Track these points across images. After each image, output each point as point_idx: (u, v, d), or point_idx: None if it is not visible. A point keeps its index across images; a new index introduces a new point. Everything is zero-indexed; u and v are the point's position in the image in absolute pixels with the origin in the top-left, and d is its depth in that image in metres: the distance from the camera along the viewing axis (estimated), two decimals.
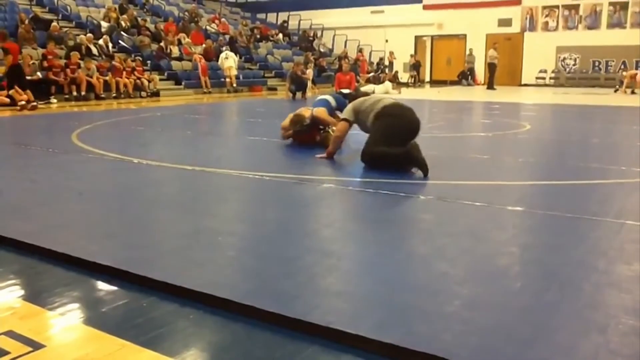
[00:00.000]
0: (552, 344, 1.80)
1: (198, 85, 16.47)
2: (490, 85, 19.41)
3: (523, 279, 2.38)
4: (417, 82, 22.91)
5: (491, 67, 19.45)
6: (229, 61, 17.33)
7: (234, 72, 17.38)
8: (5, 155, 5.76)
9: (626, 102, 13.22)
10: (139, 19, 18.32)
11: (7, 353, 1.79)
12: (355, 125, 5.13)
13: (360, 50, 23.47)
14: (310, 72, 17.27)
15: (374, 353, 1.79)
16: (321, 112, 5.92)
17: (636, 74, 17.53)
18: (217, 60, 17.79)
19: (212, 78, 16.89)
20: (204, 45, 18.22)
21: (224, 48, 18.47)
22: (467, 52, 22.80)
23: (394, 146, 4.57)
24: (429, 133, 8.02)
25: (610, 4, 21.11)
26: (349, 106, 5.14)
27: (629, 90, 16.75)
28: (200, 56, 16.99)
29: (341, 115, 5.27)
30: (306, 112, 6.03)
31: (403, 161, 4.55)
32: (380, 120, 4.77)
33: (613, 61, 20.96)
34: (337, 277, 2.40)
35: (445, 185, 4.25)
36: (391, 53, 23.30)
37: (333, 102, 6.16)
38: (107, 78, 14.02)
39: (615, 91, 17.19)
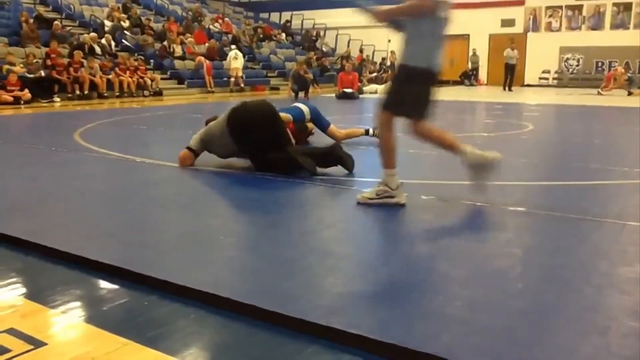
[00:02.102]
0: (553, 346, 1.80)
1: (201, 85, 16.49)
2: (508, 86, 18.78)
3: (524, 280, 2.38)
4: None
5: (507, 68, 18.97)
6: (238, 61, 17.37)
7: (241, 72, 17.44)
8: (8, 153, 5.77)
9: (629, 103, 13.19)
10: (143, 18, 18.35)
11: (8, 351, 1.79)
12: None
13: (360, 51, 23.44)
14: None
15: (374, 353, 1.79)
16: None
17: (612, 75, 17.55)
18: (222, 60, 17.82)
19: (215, 77, 16.92)
20: (207, 45, 18.23)
21: (232, 47, 18.45)
22: (471, 53, 22.75)
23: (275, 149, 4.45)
24: None
25: (614, 4, 21.08)
26: (197, 135, 4.76)
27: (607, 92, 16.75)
28: (203, 57, 17.02)
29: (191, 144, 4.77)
30: None
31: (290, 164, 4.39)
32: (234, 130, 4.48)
33: (616, 62, 20.90)
34: (338, 277, 2.40)
35: (447, 185, 4.25)
36: (392, 53, 23.27)
37: (307, 114, 5.93)
38: (110, 77, 14.04)
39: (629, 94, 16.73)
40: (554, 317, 1.99)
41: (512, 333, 1.89)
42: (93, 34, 15.54)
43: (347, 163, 4.48)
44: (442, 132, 3.66)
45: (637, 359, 1.73)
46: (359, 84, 16.26)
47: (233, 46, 18.61)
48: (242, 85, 17.27)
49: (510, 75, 19.03)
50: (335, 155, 4.50)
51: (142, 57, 15.72)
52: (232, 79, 17.21)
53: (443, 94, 18.20)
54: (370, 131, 5.95)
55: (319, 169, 4.43)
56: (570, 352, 1.77)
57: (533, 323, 1.95)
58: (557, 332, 1.88)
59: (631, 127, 8.44)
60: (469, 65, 22.84)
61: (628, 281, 2.33)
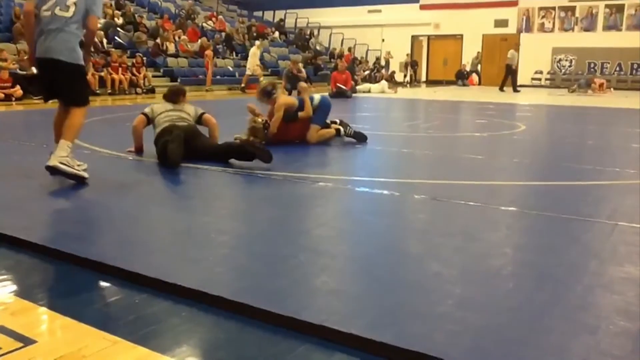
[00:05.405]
0: (544, 344, 1.81)
1: (194, 83, 16.44)
2: (513, 87, 18.54)
3: (515, 279, 2.39)
4: (414, 81, 22.91)
5: (507, 69, 18.84)
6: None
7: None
8: (0, 150, 5.73)
9: (621, 104, 13.26)
10: (136, 15, 18.28)
11: None
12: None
13: (349, 50, 23.40)
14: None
15: (366, 352, 1.79)
16: (281, 102, 5.72)
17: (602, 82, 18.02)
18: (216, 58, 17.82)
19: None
20: (199, 42, 18.18)
21: (257, 42, 18.30)
22: (474, 55, 22.76)
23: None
24: (424, 133, 8.03)
25: (607, 6, 21.16)
26: (155, 105, 5.38)
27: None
28: (211, 52, 16.97)
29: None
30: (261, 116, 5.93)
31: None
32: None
33: (608, 63, 21.04)
34: (330, 276, 2.41)
35: (440, 185, 4.26)
36: (388, 52, 23.29)
37: (316, 99, 5.93)
38: (102, 74, 13.97)
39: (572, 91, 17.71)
40: (545, 316, 2.00)
41: (504, 332, 1.90)
42: None
43: (263, 157, 4.61)
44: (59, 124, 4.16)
45: (627, 358, 1.74)
46: (352, 83, 16.25)
47: (257, 42, 18.34)
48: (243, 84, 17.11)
49: (506, 76, 18.85)
50: (249, 152, 4.67)
51: (140, 55, 15.65)
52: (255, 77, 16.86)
53: (437, 95, 18.11)
54: (342, 131, 5.79)
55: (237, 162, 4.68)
56: (561, 350, 1.78)
57: (524, 322, 1.96)
58: (548, 331, 1.89)
59: (623, 127, 8.49)
60: (468, 68, 22.76)
61: (619, 281, 2.34)
